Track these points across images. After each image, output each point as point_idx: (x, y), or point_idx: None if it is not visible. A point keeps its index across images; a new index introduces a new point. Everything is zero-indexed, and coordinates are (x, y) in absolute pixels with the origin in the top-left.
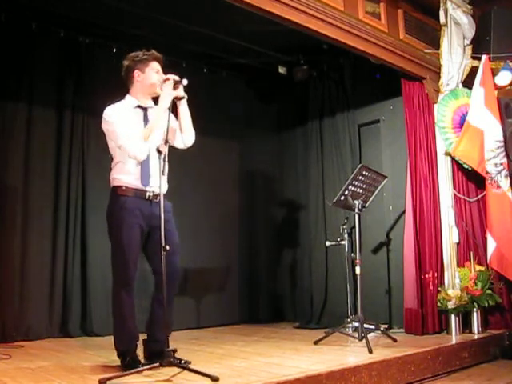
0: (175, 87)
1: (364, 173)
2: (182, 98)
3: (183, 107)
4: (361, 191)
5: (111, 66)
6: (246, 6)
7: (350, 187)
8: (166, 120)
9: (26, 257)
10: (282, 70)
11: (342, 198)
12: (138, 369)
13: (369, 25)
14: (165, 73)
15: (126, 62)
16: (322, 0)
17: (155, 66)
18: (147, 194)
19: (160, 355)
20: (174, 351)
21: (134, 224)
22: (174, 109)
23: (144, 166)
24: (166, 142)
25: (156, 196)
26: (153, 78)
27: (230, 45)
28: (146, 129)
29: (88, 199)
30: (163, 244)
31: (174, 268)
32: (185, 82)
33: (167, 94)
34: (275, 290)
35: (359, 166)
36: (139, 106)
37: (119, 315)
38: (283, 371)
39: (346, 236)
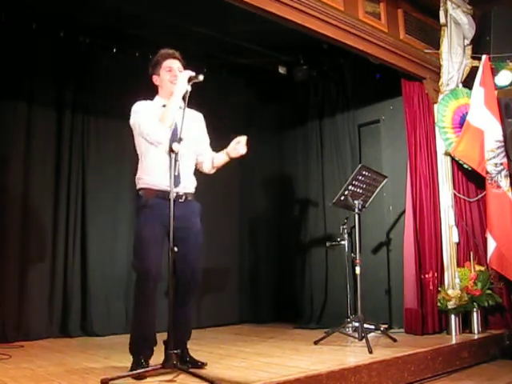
0: (189, 81)
1: (364, 173)
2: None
3: None
4: (361, 191)
5: (111, 65)
6: (246, 6)
7: (349, 187)
8: (181, 117)
9: (26, 257)
10: (281, 70)
11: (342, 198)
12: (140, 370)
13: (369, 25)
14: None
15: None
16: (321, 0)
17: (167, 64)
18: (171, 194)
19: (180, 357)
20: (177, 354)
21: (156, 223)
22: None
23: (167, 166)
24: (180, 139)
25: (181, 196)
26: (166, 78)
27: (230, 45)
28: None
29: (88, 199)
30: (171, 246)
31: (192, 270)
32: (201, 77)
33: (181, 84)
34: (275, 290)
35: (359, 165)
36: (165, 106)
37: (134, 315)
38: (283, 371)
39: (345, 236)
